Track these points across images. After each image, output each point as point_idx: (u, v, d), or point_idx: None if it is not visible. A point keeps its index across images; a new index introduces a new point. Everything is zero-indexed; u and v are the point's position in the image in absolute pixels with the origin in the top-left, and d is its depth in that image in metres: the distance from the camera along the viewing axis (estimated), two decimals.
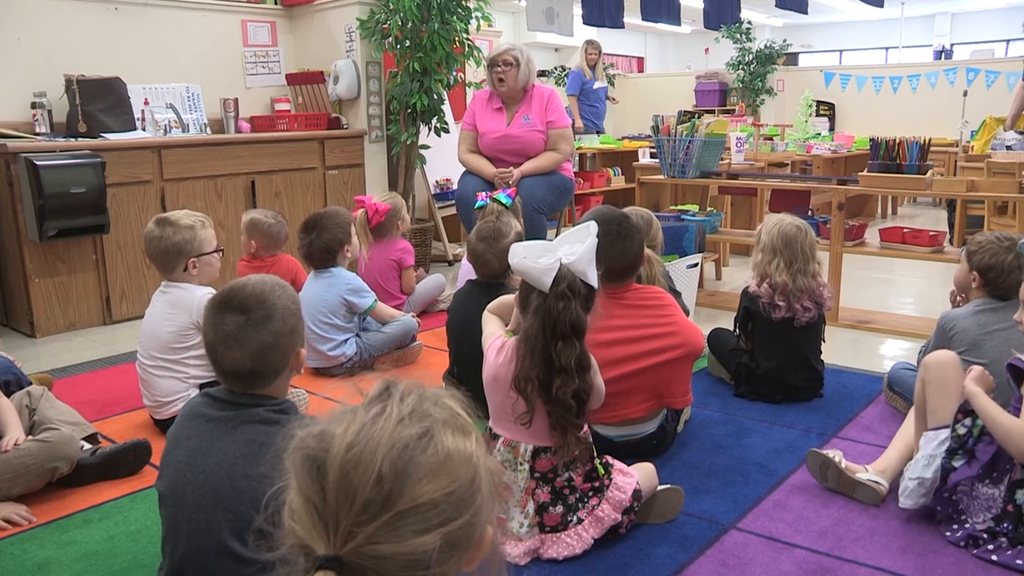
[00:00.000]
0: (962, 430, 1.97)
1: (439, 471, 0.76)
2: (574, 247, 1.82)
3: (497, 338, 2.00)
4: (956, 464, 1.96)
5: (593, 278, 1.85)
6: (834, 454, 2.21)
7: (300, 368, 1.65)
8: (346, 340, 3.26)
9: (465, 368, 2.60)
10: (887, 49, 15.45)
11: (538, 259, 1.80)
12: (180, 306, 2.59)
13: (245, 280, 1.59)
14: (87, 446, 2.39)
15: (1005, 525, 1.89)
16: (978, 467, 1.93)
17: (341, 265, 3.33)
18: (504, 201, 3.57)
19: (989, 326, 2.36)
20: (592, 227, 1.88)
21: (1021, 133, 5.62)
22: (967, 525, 1.94)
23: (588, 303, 1.86)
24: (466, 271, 3.33)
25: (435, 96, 5.02)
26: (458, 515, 0.76)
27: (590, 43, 8.06)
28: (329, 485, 0.75)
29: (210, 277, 2.68)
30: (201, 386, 2.58)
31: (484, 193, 3.74)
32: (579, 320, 1.82)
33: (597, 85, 8.06)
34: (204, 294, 2.58)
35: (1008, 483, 1.90)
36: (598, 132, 7.87)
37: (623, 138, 8.02)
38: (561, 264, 1.79)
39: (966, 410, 1.98)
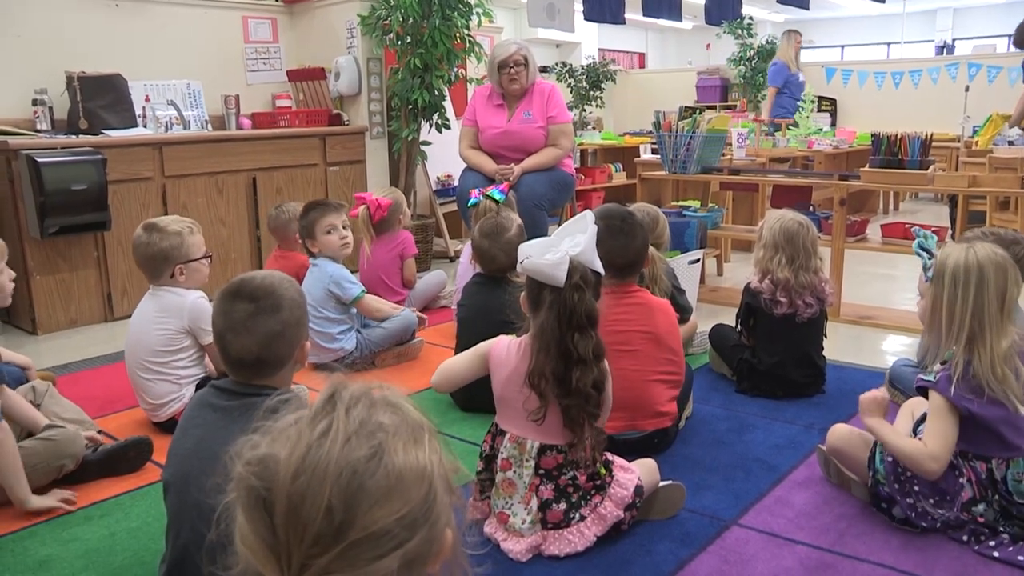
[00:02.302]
0: (878, 487, 2.01)
1: (390, 495, 0.73)
2: (576, 238, 1.83)
3: (502, 338, 2.00)
4: (896, 515, 1.99)
5: (599, 265, 1.87)
6: None
7: (304, 361, 1.70)
8: (343, 334, 3.26)
9: None
10: (889, 44, 15.43)
11: (545, 256, 1.80)
12: (171, 310, 2.58)
13: (254, 273, 1.65)
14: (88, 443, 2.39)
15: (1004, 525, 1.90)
16: (907, 506, 1.95)
17: (333, 257, 3.30)
18: (497, 197, 3.58)
19: None
20: (588, 216, 1.90)
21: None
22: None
23: (597, 292, 1.88)
24: (465, 267, 3.33)
25: (436, 92, 5.02)
26: (414, 534, 0.74)
27: (797, 33, 7.55)
28: (278, 520, 0.72)
29: (198, 283, 2.67)
30: (198, 385, 2.59)
31: (477, 190, 3.75)
32: (594, 309, 1.84)
33: (803, 77, 7.59)
34: (196, 298, 2.59)
35: (959, 507, 1.91)
36: None
37: (624, 134, 8.01)
38: (570, 256, 1.80)
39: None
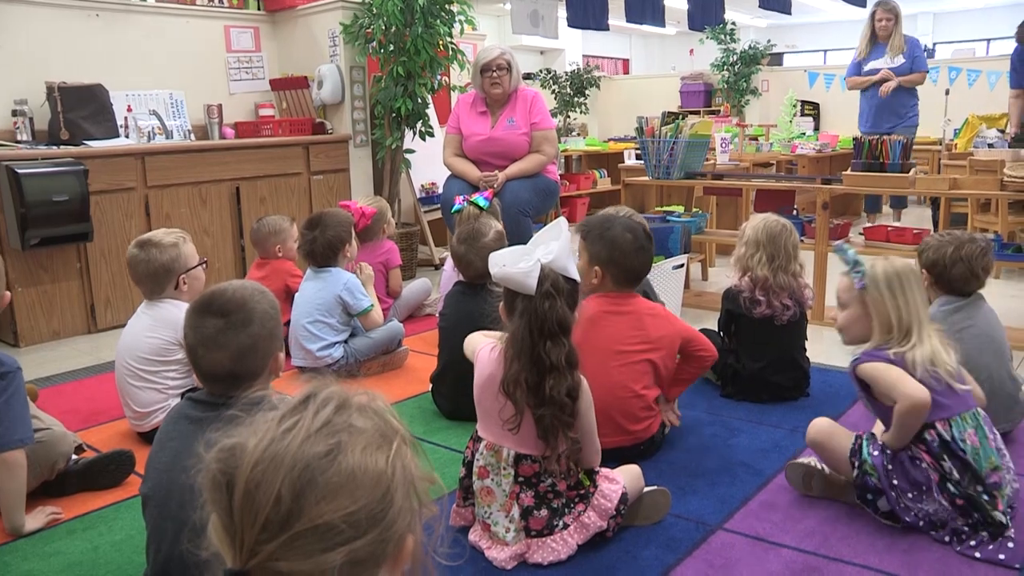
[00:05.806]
0: (865, 478, 2.03)
1: (339, 492, 0.76)
2: (550, 246, 1.83)
3: (488, 342, 2.00)
4: (881, 507, 2.01)
5: (574, 272, 1.87)
6: (812, 461, 2.22)
7: (279, 372, 1.68)
8: (336, 344, 3.26)
9: (456, 369, 2.60)
10: None
11: (517, 264, 1.80)
12: (166, 322, 2.57)
13: (226, 285, 1.64)
14: (72, 456, 2.37)
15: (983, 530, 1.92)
16: (892, 498, 1.98)
17: (340, 265, 3.36)
18: (481, 204, 3.58)
19: (959, 324, 2.39)
20: (562, 223, 1.91)
21: (1001, 132, 5.65)
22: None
23: (572, 299, 1.87)
24: (448, 276, 3.33)
25: (419, 100, 5.02)
26: (363, 533, 0.77)
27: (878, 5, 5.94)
28: (235, 503, 0.77)
29: (197, 291, 2.67)
30: (182, 395, 2.57)
31: (461, 197, 3.75)
32: (566, 318, 1.83)
33: (870, 66, 6.12)
34: None
35: (937, 491, 1.93)
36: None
37: (609, 140, 8.03)
38: (542, 264, 1.80)
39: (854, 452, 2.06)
